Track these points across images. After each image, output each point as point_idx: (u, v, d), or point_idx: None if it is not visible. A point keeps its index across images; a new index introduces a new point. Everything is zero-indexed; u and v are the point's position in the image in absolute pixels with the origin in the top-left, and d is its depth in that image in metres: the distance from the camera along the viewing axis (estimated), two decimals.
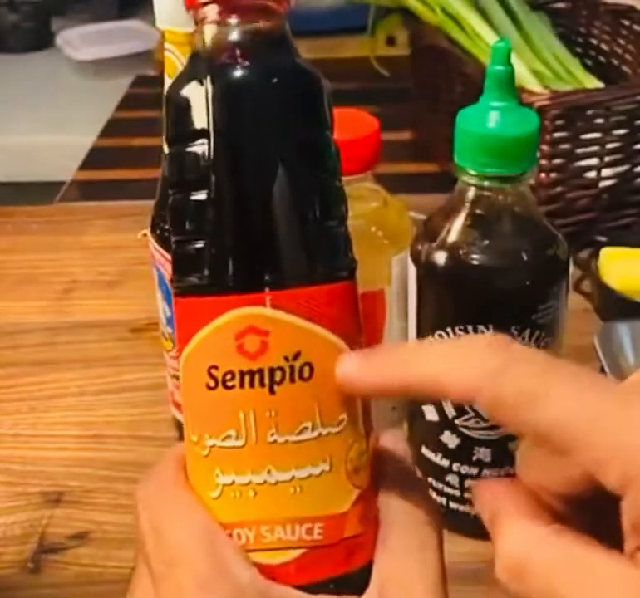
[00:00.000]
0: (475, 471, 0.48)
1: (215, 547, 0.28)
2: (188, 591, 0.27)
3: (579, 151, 0.76)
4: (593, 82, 0.87)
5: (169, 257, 0.51)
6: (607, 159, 0.77)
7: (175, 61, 0.47)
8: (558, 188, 0.77)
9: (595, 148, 0.77)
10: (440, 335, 0.44)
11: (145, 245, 0.54)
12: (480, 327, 0.43)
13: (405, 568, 0.29)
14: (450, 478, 0.49)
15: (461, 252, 0.43)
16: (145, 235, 0.53)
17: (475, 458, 0.47)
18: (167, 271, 0.52)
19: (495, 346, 0.27)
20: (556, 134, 0.75)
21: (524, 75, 0.82)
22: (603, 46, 0.95)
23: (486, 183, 0.42)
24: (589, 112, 0.75)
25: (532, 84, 0.81)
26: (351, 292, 0.32)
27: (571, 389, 0.26)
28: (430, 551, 0.30)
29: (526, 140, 0.41)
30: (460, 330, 0.44)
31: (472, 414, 0.46)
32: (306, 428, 0.29)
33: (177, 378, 0.55)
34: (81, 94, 1.46)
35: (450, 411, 0.46)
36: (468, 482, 0.48)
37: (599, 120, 0.75)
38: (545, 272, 0.44)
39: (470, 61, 0.82)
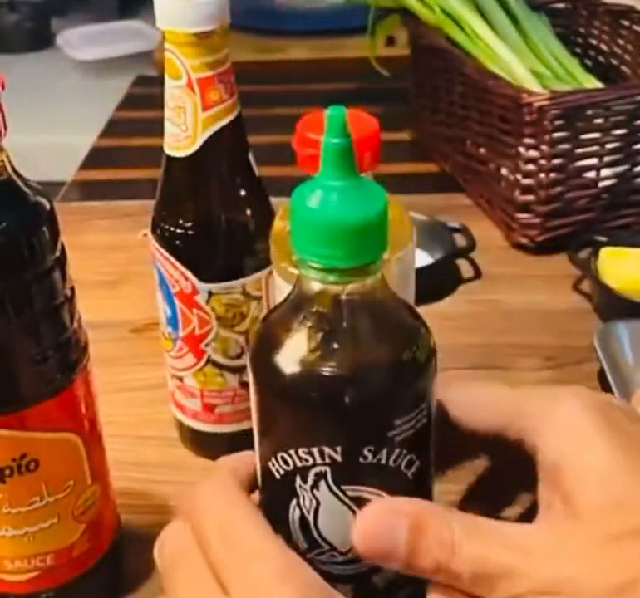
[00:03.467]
0: None
1: (285, 547, 0.33)
2: (266, 583, 0.31)
3: (579, 151, 0.76)
4: (592, 82, 0.87)
5: (169, 257, 0.51)
6: (606, 159, 0.77)
7: (176, 61, 0.47)
8: (558, 188, 0.77)
9: (595, 148, 0.77)
10: (284, 459, 0.35)
11: (146, 245, 0.54)
12: (327, 449, 0.34)
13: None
14: None
15: (301, 360, 0.34)
16: (145, 235, 0.54)
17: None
18: (167, 271, 0.52)
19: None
20: (556, 135, 0.75)
21: (523, 76, 0.82)
22: (603, 47, 0.95)
23: (331, 278, 0.33)
24: (589, 112, 0.75)
25: (531, 84, 0.81)
26: (68, 396, 0.41)
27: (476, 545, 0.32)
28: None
29: (372, 224, 0.33)
30: (304, 453, 0.34)
31: (327, 547, 0.36)
32: (35, 501, 0.41)
33: (178, 378, 0.55)
34: (82, 94, 1.46)
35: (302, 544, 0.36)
36: None
37: (599, 120, 0.75)
38: (399, 381, 0.35)
39: (470, 61, 0.83)
